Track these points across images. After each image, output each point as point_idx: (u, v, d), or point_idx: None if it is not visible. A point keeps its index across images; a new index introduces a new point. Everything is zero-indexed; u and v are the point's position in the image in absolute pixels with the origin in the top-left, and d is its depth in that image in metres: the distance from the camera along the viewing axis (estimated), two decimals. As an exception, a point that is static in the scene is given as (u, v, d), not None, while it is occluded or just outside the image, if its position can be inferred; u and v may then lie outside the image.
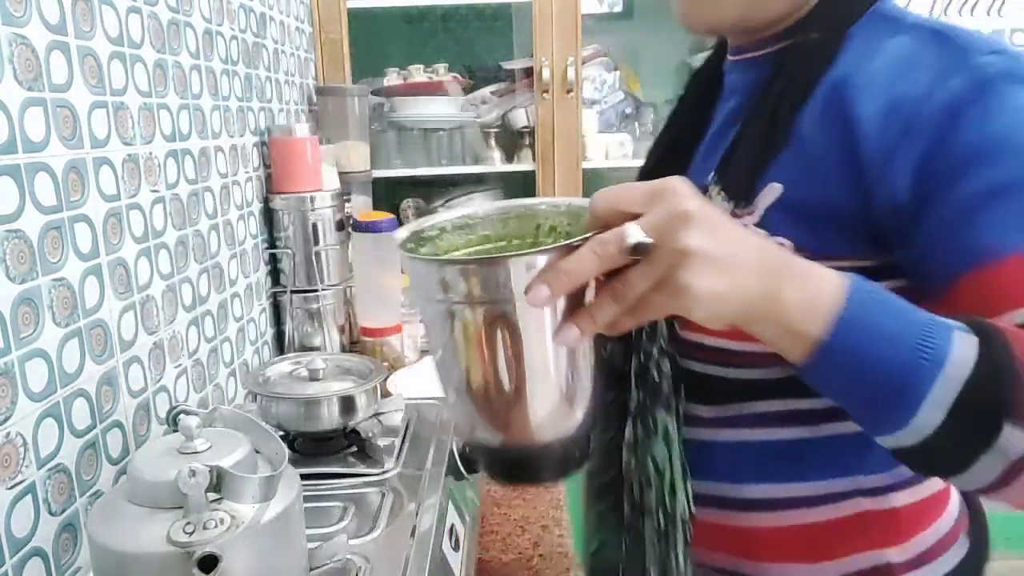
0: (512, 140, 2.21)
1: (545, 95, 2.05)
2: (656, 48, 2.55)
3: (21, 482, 0.76)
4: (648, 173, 0.73)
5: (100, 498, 0.69)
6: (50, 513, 0.80)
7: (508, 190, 2.38)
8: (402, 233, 0.57)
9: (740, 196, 0.58)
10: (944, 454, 0.47)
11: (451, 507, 0.89)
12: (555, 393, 0.51)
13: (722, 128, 0.67)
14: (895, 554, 0.62)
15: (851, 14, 0.58)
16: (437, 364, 0.58)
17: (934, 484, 0.67)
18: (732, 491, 0.63)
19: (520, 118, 2.18)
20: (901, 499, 0.63)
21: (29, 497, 0.77)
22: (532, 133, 2.13)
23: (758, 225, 0.57)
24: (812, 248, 0.53)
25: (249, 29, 1.50)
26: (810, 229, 0.54)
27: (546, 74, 2.03)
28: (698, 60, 0.90)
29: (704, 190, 0.61)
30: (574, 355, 0.51)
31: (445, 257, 0.56)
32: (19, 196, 0.77)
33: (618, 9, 2.35)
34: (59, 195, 0.84)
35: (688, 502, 0.61)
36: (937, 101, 0.51)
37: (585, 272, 0.44)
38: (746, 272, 0.45)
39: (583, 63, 2.10)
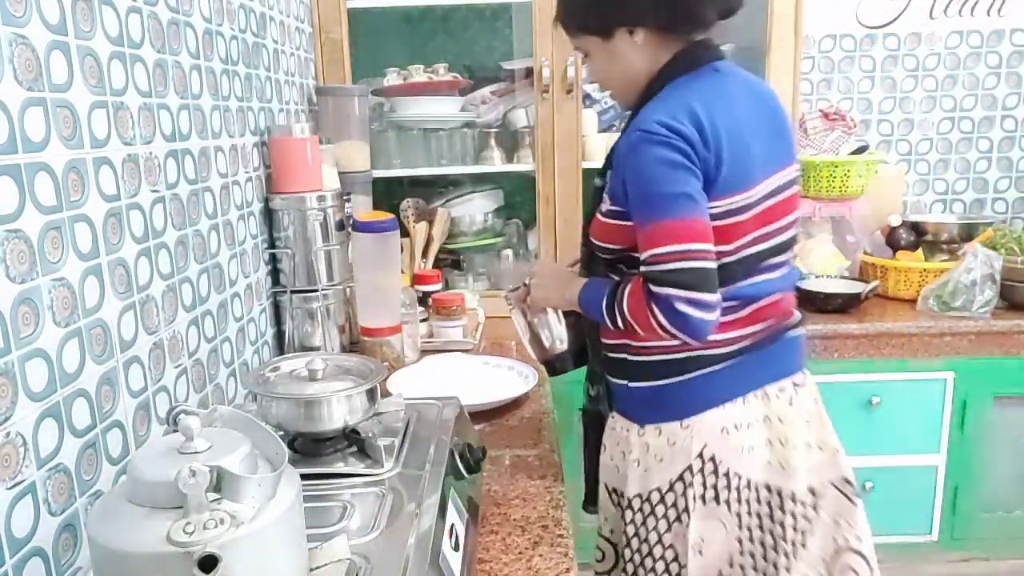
0: (512, 140, 2.21)
1: (545, 95, 2.05)
2: (656, 48, 2.55)
3: (21, 482, 0.76)
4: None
5: (100, 498, 0.69)
6: (50, 513, 0.80)
7: (508, 190, 2.39)
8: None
9: (602, 174, 1.15)
10: (619, 328, 1.07)
11: (451, 507, 0.89)
12: (551, 335, 1.31)
13: None
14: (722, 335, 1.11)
15: (652, 93, 1.10)
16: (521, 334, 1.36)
17: (759, 303, 1.17)
18: None
19: (520, 118, 2.18)
20: (736, 312, 1.13)
21: (29, 497, 0.77)
22: (532, 133, 2.13)
23: (608, 187, 1.12)
24: (611, 199, 1.10)
25: (249, 29, 1.50)
26: (610, 195, 1.11)
27: (546, 74, 2.03)
28: None
29: None
30: (549, 319, 1.31)
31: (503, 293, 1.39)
32: (19, 196, 0.77)
33: (618, 9, 2.34)
34: (59, 195, 0.84)
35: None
36: (626, 142, 1.06)
37: (520, 296, 1.31)
38: (551, 290, 1.24)
39: (583, 63, 2.10)
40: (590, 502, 1.27)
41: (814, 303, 2.20)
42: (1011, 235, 2.26)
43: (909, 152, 2.64)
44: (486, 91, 2.22)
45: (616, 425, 1.19)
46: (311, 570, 0.68)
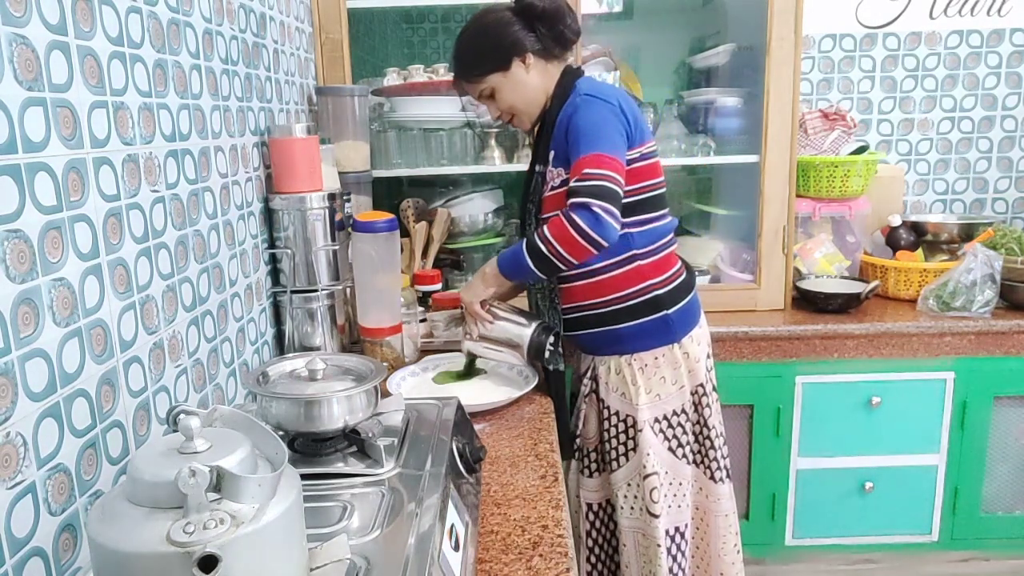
0: (512, 140, 2.21)
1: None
2: (656, 48, 2.55)
3: (21, 482, 0.76)
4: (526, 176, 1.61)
5: (100, 498, 0.69)
6: (50, 513, 0.80)
7: (508, 190, 2.39)
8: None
9: (544, 160, 1.47)
10: (546, 272, 1.38)
11: (451, 507, 0.89)
12: (517, 331, 1.48)
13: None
14: (656, 279, 1.48)
15: (563, 94, 1.46)
16: (500, 357, 1.54)
17: (671, 248, 1.53)
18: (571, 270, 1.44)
19: (520, 118, 2.18)
20: (658, 255, 1.49)
21: (29, 497, 0.77)
22: (531, 133, 2.13)
23: (551, 167, 1.45)
24: (565, 168, 1.40)
25: (249, 29, 1.50)
26: (564, 164, 1.41)
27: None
28: (697, 60, 2.01)
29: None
30: (501, 323, 1.49)
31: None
32: (19, 196, 0.77)
33: (618, 9, 2.35)
34: (59, 195, 0.84)
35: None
36: (566, 116, 1.41)
37: (459, 319, 1.59)
38: (472, 285, 1.49)
39: (583, 63, 2.10)
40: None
41: (814, 303, 2.20)
42: (1011, 235, 2.25)
43: (909, 152, 2.64)
44: (486, 91, 2.22)
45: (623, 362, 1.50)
46: (311, 570, 0.68)
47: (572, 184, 1.32)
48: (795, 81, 2.07)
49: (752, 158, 2.16)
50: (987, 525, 2.22)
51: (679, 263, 1.55)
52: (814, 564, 2.26)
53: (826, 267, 2.37)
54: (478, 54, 1.48)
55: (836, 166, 2.29)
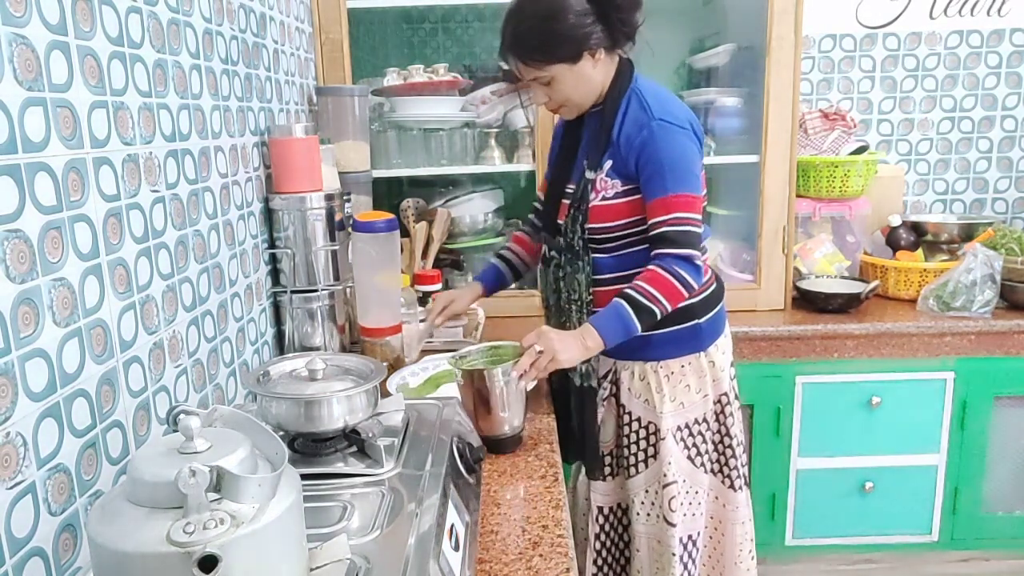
0: (512, 140, 2.21)
1: (545, 95, 2.05)
2: (656, 48, 2.55)
3: (21, 482, 0.76)
4: (554, 168, 1.55)
5: (100, 498, 0.69)
6: (50, 513, 0.80)
7: (508, 190, 2.39)
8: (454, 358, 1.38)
9: (596, 167, 1.41)
10: (647, 326, 1.33)
11: (451, 507, 0.89)
12: (503, 415, 1.27)
13: (586, 144, 1.48)
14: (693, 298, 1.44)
15: (619, 96, 1.41)
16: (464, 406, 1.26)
17: (704, 255, 1.45)
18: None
19: (520, 118, 2.18)
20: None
21: (29, 497, 0.77)
22: (532, 133, 2.13)
23: (605, 176, 1.40)
24: (622, 181, 1.38)
25: (249, 29, 1.50)
26: (621, 177, 1.38)
27: (546, 74, 2.03)
28: (697, 60, 1.96)
29: (583, 170, 1.44)
30: (510, 397, 1.27)
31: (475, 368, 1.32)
32: (19, 196, 0.77)
33: (618, 9, 2.35)
34: (59, 195, 0.84)
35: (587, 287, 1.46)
36: (638, 138, 1.35)
37: (525, 364, 1.29)
38: (573, 348, 1.31)
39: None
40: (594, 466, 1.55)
41: (814, 303, 2.20)
42: (1011, 235, 2.26)
43: (909, 152, 2.64)
44: (486, 91, 2.22)
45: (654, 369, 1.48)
46: (311, 570, 0.68)
47: (665, 228, 1.32)
48: (795, 81, 2.07)
49: (752, 158, 2.16)
50: (987, 525, 2.22)
51: (711, 272, 1.51)
52: (814, 564, 2.26)
53: (826, 267, 2.37)
54: (547, 39, 1.33)
55: (836, 166, 2.29)
